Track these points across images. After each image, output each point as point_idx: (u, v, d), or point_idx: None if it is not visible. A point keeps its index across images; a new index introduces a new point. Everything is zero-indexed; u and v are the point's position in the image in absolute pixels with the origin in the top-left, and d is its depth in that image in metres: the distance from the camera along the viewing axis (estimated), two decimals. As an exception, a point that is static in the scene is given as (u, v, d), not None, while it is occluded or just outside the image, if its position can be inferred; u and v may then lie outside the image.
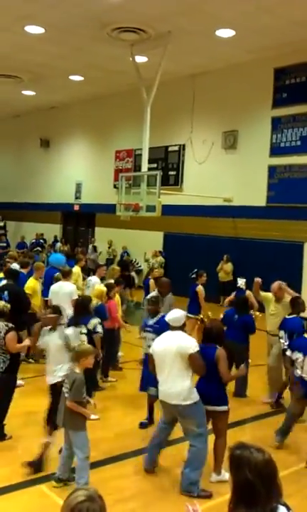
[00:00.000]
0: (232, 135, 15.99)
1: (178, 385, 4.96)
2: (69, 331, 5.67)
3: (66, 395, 4.81)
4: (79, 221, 22.97)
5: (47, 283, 9.73)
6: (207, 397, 5.06)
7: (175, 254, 17.06)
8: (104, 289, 8.43)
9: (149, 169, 14.86)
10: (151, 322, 6.49)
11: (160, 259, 16.82)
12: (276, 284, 7.75)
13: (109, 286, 8.52)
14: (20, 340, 5.96)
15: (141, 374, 6.65)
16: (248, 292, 8.84)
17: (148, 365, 6.41)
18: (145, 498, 4.89)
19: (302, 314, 7.12)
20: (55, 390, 5.44)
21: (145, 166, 14.50)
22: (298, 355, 5.87)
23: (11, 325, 5.90)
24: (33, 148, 24.49)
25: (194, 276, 10.14)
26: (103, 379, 8.05)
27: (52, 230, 22.96)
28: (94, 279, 9.90)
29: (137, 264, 18.37)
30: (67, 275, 9.32)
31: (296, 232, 14.01)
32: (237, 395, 7.64)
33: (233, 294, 9.20)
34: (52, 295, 9.00)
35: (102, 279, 10.00)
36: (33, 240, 21.62)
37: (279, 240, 14.39)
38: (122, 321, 8.80)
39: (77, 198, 22.30)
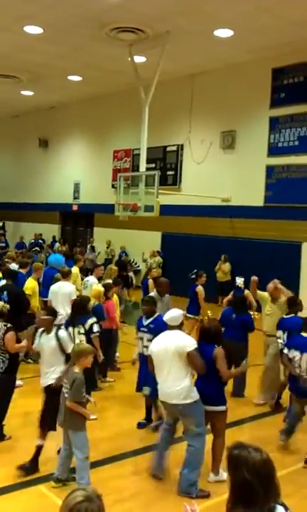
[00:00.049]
0: (230, 135, 16.00)
1: (177, 385, 4.96)
2: (62, 333, 5.63)
3: (66, 395, 4.81)
4: (78, 221, 22.96)
5: (47, 283, 9.74)
6: (205, 396, 5.06)
7: (173, 254, 17.06)
8: (102, 289, 8.43)
9: (147, 169, 14.84)
10: (146, 322, 6.47)
11: (158, 259, 16.82)
12: (271, 284, 7.74)
13: (107, 287, 8.52)
14: (19, 341, 5.96)
15: (138, 374, 6.65)
16: (246, 292, 8.84)
17: (141, 365, 6.44)
18: (144, 498, 4.90)
19: (299, 314, 7.12)
20: (49, 392, 5.42)
21: (143, 165, 14.50)
22: (295, 353, 5.88)
23: (9, 325, 5.91)
24: (32, 149, 24.48)
25: (194, 276, 10.13)
26: (101, 379, 8.06)
27: (50, 230, 22.96)
28: (91, 279, 9.90)
29: (135, 264, 18.37)
30: (66, 275, 9.33)
31: (294, 232, 14.02)
32: (235, 394, 7.65)
33: (231, 294, 9.20)
34: (52, 295, 9.01)
35: (100, 279, 10.00)
36: (32, 240, 21.61)
37: (277, 240, 14.40)
38: (120, 321, 8.80)
39: (75, 198, 22.29)
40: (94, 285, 9.21)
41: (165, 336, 5.21)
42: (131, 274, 16.80)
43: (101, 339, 7.07)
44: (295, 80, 14.30)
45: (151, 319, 6.43)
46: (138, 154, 15.04)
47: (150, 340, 5.96)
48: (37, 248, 19.51)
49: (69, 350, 5.47)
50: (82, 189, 21.99)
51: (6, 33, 13.72)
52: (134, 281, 16.84)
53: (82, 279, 10.66)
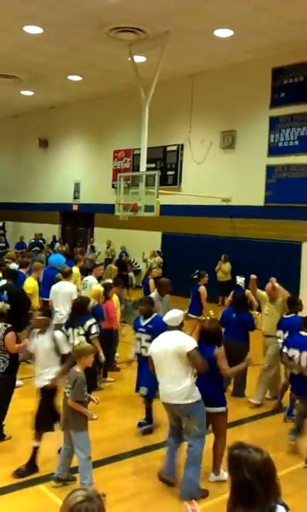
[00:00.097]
0: (230, 135, 16.00)
1: (178, 385, 4.95)
2: (58, 333, 5.61)
3: (67, 394, 4.81)
4: (78, 221, 22.95)
5: (47, 283, 9.73)
6: (205, 397, 5.05)
7: (174, 254, 17.06)
8: (101, 289, 8.41)
9: (147, 169, 14.84)
10: (144, 323, 6.45)
11: (159, 259, 16.82)
12: (269, 284, 7.73)
13: (106, 287, 8.50)
14: (19, 341, 5.96)
15: (137, 374, 6.64)
16: (247, 291, 8.83)
17: (140, 365, 6.43)
18: (144, 498, 4.90)
19: (299, 313, 7.11)
20: (44, 393, 5.39)
21: (143, 165, 14.50)
22: (295, 352, 5.87)
23: (9, 325, 5.91)
24: (32, 149, 24.48)
25: (196, 277, 10.12)
26: (102, 379, 8.05)
27: (50, 230, 22.95)
28: (90, 279, 9.87)
29: (135, 264, 18.37)
30: (67, 275, 9.32)
31: (294, 231, 14.03)
32: (235, 394, 7.64)
33: (232, 293, 9.17)
34: (53, 295, 9.00)
35: (99, 278, 9.99)
36: (32, 240, 21.61)
37: (277, 240, 14.40)
38: (120, 321, 8.79)
39: (75, 198, 22.29)
40: (93, 285, 9.20)
41: (165, 337, 5.20)
42: (131, 274, 16.81)
43: (101, 339, 7.03)
44: (295, 80, 14.31)
45: (148, 320, 6.42)
46: (139, 154, 15.05)
47: (148, 341, 5.96)
48: (37, 248, 19.51)
49: (64, 351, 5.46)
50: (82, 189, 21.99)
51: (6, 33, 13.73)
52: (134, 281, 16.84)
53: (82, 279, 10.66)
